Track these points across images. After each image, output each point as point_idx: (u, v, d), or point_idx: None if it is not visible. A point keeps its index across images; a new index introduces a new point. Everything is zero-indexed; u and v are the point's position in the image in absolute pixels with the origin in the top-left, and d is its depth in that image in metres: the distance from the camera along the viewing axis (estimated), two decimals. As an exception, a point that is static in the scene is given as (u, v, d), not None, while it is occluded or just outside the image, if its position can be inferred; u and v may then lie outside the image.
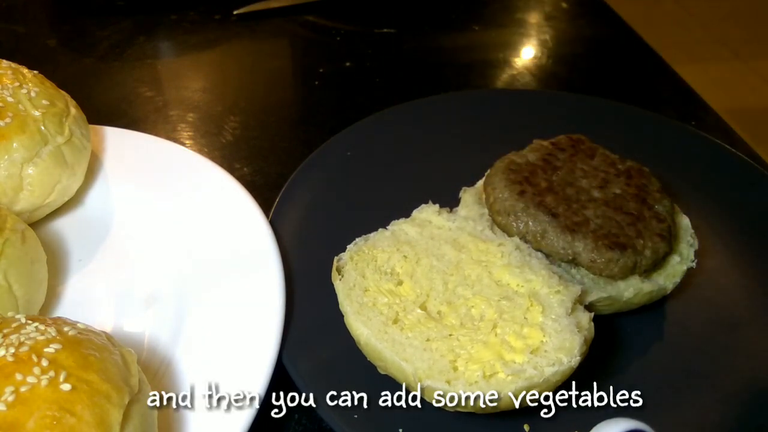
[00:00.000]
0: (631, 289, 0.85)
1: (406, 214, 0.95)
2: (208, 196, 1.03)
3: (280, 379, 0.82)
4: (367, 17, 1.72)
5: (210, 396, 0.77)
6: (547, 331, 0.77)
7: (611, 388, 0.83)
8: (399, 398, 0.79)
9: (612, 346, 0.88)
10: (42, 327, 0.67)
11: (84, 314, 0.88)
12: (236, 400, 0.76)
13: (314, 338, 0.86)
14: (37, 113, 0.96)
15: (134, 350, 0.73)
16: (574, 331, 0.76)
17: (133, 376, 0.69)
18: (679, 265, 0.89)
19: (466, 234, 0.90)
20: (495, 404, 0.71)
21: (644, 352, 0.88)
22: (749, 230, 0.91)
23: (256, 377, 0.78)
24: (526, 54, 1.62)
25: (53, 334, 0.66)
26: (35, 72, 1.04)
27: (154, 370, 0.82)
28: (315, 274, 0.91)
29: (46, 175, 0.95)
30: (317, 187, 1.09)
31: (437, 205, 0.95)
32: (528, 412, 0.76)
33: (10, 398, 0.59)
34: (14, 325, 0.68)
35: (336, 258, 0.88)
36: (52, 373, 0.62)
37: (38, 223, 1.01)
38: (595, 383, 0.82)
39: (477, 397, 0.71)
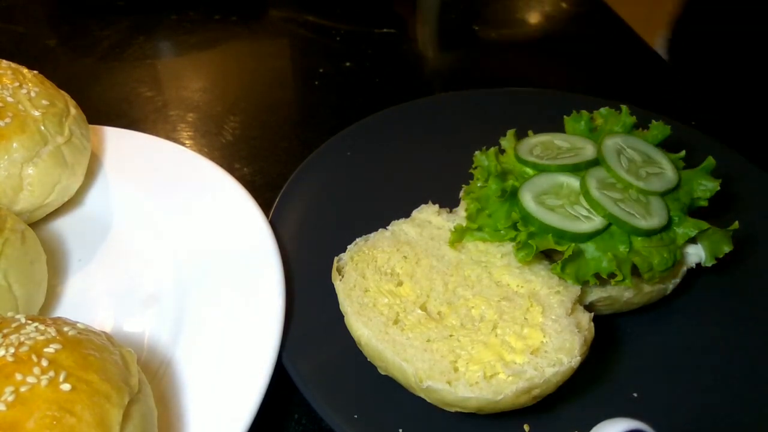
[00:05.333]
0: (631, 290, 0.85)
1: (406, 214, 0.95)
2: (208, 197, 1.03)
3: (280, 379, 0.82)
4: (367, 17, 1.72)
5: (210, 396, 0.77)
6: (548, 332, 0.77)
7: (611, 388, 0.83)
8: (399, 399, 0.79)
9: (612, 346, 0.88)
10: (42, 327, 0.67)
11: (84, 314, 0.89)
12: (236, 400, 0.76)
13: (314, 338, 0.86)
14: (37, 113, 0.96)
15: (134, 350, 0.73)
16: (574, 331, 0.76)
17: (133, 376, 0.69)
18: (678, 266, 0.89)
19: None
20: (495, 404, 0.71)
21: (644, 352, 0.88)
22: (749, 230, 0.91)
23: (256, 377, 0.78)
24: (526, 54, 1.62)
25: (53, 334, 0.66)
26: (35, 72, 1.04)
27: (154, 370, 0.82)
28: (315, 274, 0.91)
29: (46, 175, 0.95)
30: (317, 187, 1.09)
31: (437, 205, 0.95)
32: (528, 412, 0.76)
33: (10, 398, 0.59)
34: (14, 325, 0.68)
35: (336, 258, 0.88)
36: (52, 373, 0.62)
37: (38, 223, 1.02)
38: (595, 383, 0.83)
39: (477, 398, 0.71)
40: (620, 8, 1.81)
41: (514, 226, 0.85)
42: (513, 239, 0.85)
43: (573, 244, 0.81)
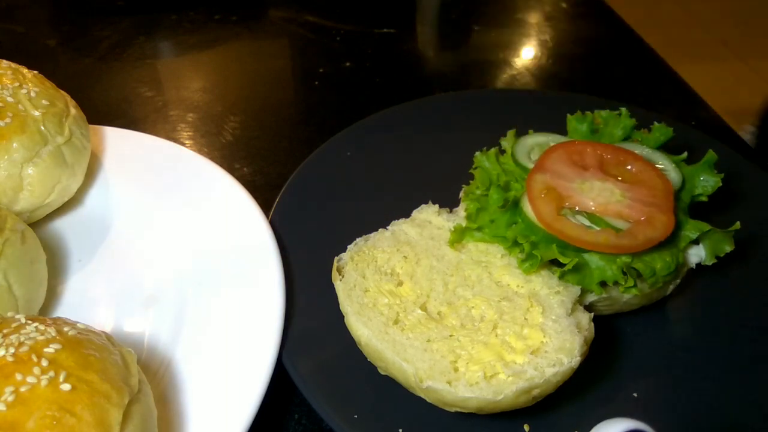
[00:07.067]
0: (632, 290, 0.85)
1: (406, 214, 0.95)
2: (208, 196, 1.03)
3: (280, 379, 0.82)
4: (367, 17, 1.72)
5: (210, 396, 0.77)
6: (548, 332, 0.77)
7: (611, 388, 0.83)
8: (399, 399, 0.79)
9: (612, 346, 0.88)
10: (42, 327, 0.67)
11: (84, 314, 0.89)
12: (236, 400, 0.76)
13: (314, 338, 0.86)
14: (37, 113, 0.96)
15: (134, 350, 0.73)
16: (575, 331, 0.76)
17: (133, 376, 0.69)
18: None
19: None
20: (495, 404, 0.71)
21: (644, 352, 0.88)
22: (749, 230, 0.91)
23: (256, 377, 0.78)
24: (526, 54, 1.62)
25: (53, 334, 0.66)
26: (35, 72, 1.04)
27: (154, 370, 0.82)
28: (315, 274, 0.91)
29: (46, 175, 0.95)
30: (317, 187, 1.09)
31: (437, 205, 0.95)
32: (528, 412, 0.76)
33: (10, 398, 0.59)
34: (14, 325, 0.68)
35: (336, 258, 0.88)
36: (52, 373, 0.62)
37: (38, 223, 1.01)
38: (595, 383, 0.83)
39: (477, 398, 0.71)
40: (620, 8, 1.81)
41: (515, 242, 0.84)
42: (513, 246, 0.85)
43: (576, 258, 0.81)
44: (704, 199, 0.90)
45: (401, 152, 1.18)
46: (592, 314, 0.81)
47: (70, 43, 1.64)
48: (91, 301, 0.93)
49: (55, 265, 0.97)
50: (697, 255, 0.89)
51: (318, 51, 1.62)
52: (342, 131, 1.20)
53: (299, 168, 1.11)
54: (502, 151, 0.98)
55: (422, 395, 0.75)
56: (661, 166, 0.92)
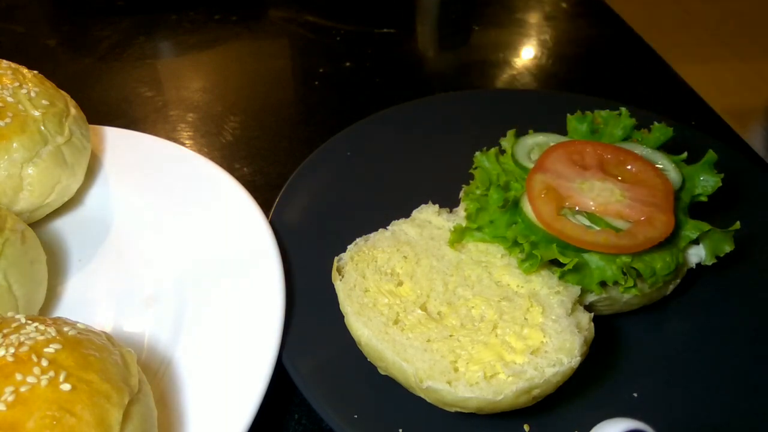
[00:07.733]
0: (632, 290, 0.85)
1: (406, 214, 0.95)
2: (208, 197, 1.03)
3: (280, 379, 0.82)
4: (367, 17, 1.72)
5: (210, 396, 0.77)
6: (548, 332, 0.77)
7: (611, 388, 0.83)
8: (399, 399, 0.79)
9: (612, 346, 0.88)
10: (42, 327, 0.67)
11: (84, 314, 0.89)
12: (236, 400, 0.76)
13: (314, 338, 0.86)
14: (37, 113, 0.96)
15: (134, 350, 0.73)
16: (575, 331, 0.76)
17: (133, 376, 0.69)
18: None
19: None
20: (495, 405, 0.71)
21: (644, 352, 0.88)
22: (749, 230, 0.91)
23: (256, 377, 0.78)
24: (526, 54, 1.62)
25: (53, 334, 0.66)
26: (35, 72, 1.04)
27: (154, 370, 0.82)
28: (315, 274, 0.91)
29: (46, 175, 0.95)
30: (317, 187, 1.09)
31: (437, 205, 0.95)
32: (528, 412, 0.76)
33: (10, 398, 0.59)
34: (14, 325, 0.68)
35: (336, 258, 0.88)
36: (52, 373, 0.62)
37: (38, 223, 1.02)
38: (595, 383, 0.83)
39: (477, 398, 0.71)
40: (620, 8, 1.81)
41: (515, 242, 0.84)
42: (513, 245, 0.85)
43: (576, 258, 0.81)
44: (704, 199, 0.90)
45: (401, 152, 1.18)
46: (592, 314, 0.81)
47: (70, 43, 1.64)
48: (91, 301, 0.93)
49: (55, 265, 0.97)
50: (697, 255, 0.89)
51: (318, 51, 1.62)
52: (342, 131, 1.20)
53: (299, 168, 1.11)
54: (502, 151, 0.98)
55: (422, 395, 0.75)
56: (661, 166, 0.92)
